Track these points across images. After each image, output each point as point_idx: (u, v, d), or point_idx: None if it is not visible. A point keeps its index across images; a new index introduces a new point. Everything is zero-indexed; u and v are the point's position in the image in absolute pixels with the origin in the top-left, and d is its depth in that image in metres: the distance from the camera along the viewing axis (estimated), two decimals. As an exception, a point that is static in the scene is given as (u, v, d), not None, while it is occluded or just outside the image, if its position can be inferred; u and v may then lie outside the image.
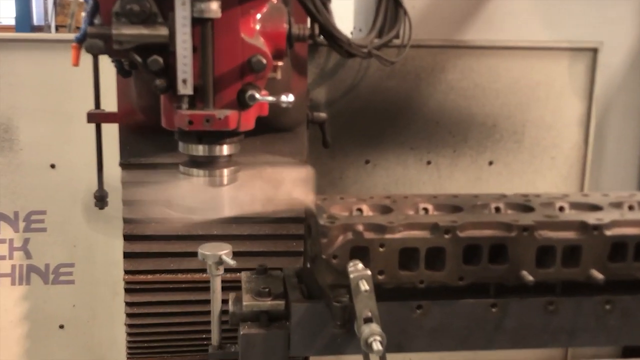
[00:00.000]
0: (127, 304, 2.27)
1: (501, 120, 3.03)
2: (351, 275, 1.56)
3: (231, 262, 1.74)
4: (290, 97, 1.67)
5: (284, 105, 1.67)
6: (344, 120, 2.90)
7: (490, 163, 3.07)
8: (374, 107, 2.92)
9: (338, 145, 2.90)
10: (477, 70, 2.98)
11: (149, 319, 2.29)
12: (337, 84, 2.87)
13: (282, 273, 1.88)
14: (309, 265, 1.82)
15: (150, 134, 2.18)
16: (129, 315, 2.28)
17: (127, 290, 2.26)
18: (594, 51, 3.06)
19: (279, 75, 1.73)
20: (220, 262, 1.75)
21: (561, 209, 1.89)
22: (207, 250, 1.77)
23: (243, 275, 1.86)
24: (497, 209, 1.87)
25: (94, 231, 3.07)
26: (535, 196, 1.95)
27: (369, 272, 1.57)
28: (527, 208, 1.85)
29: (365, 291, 1.53)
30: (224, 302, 1.80)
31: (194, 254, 1.80)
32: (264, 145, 2.29)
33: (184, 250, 2.24)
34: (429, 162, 3.02)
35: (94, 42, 1.58)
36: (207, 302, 1.82)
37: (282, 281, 1.84)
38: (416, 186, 3.04)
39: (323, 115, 2.56)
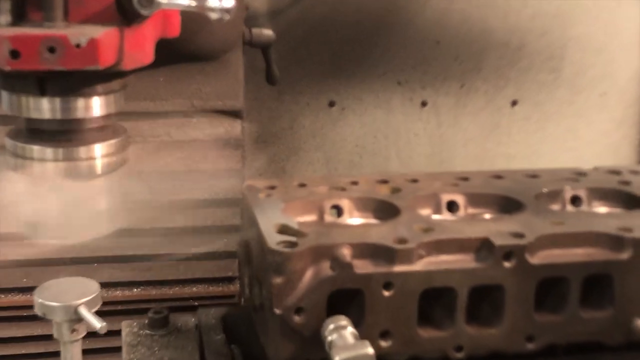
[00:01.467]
0: None
1: (531, 40, 2.83)
2: (336, 358, 1.07)
3: (97, 324, 1.28)
4: (228, 1, 1.29)
5: (214, 16, 1.30)
6: (296, 41, 2.65)
7: (514, 103, 2.88)
8: (341, 20, 2.66)
9: (287, 79, 2.62)
10: (496, -36, 2.79)
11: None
12: (285, -17, 2.66)
13: (195, 322, 1.54)
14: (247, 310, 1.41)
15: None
16: None
17: None
18: None
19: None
20: (77, 319, 1.28)
21: (680, 196, 1.55)
22: (51, 297, 1.29)
23: (124, 331, 1.48)
24: (576, 200, 1.52)
25: None
26: (632, 172, 1.62)
27: (370, 351, 1.08)
28: (628, 198, 1.49)
29: (366, 392, 1.07)
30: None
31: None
32: (173, 84, 2.00)
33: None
34: (424, 103, 2.81)
35: None
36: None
37: (196, 342, 1.48)
38: (405, 138, 2.82)
39: (268, 33, 2.20)
